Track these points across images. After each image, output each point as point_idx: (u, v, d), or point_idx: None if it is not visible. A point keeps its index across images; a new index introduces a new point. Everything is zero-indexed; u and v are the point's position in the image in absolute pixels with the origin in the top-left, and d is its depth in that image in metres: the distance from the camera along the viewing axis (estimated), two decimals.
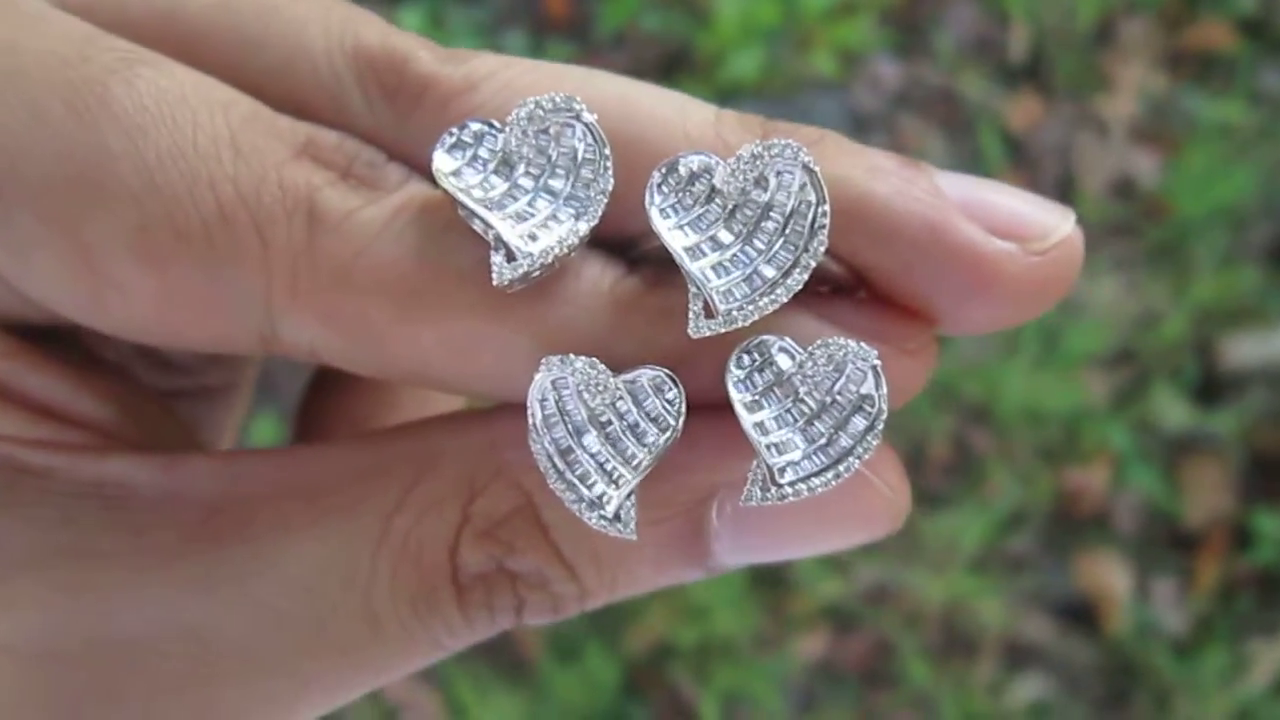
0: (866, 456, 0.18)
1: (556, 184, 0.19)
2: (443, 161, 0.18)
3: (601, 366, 0.18)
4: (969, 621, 0.95)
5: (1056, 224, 0.19)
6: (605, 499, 0.18)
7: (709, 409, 0.19)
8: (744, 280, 0.18)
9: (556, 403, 0.18)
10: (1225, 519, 0.97)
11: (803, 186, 0.18)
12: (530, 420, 0.18)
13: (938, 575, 0.95)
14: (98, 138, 0.18)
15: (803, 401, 0.18)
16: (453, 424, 0.20)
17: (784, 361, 0.18)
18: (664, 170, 0.18)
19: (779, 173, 0.18)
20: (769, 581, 0.95)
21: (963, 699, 0.93)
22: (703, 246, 0.18)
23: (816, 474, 0.18)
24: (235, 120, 0.19)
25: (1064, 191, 1.06)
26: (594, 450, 0.18)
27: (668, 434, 0.18)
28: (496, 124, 0.19)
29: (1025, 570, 0.96)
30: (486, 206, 0.18)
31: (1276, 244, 1.04)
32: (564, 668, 0.92)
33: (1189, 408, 0.99)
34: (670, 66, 1.07)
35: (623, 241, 0.20)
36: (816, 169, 0.18)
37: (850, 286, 0.20)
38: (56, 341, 0.21)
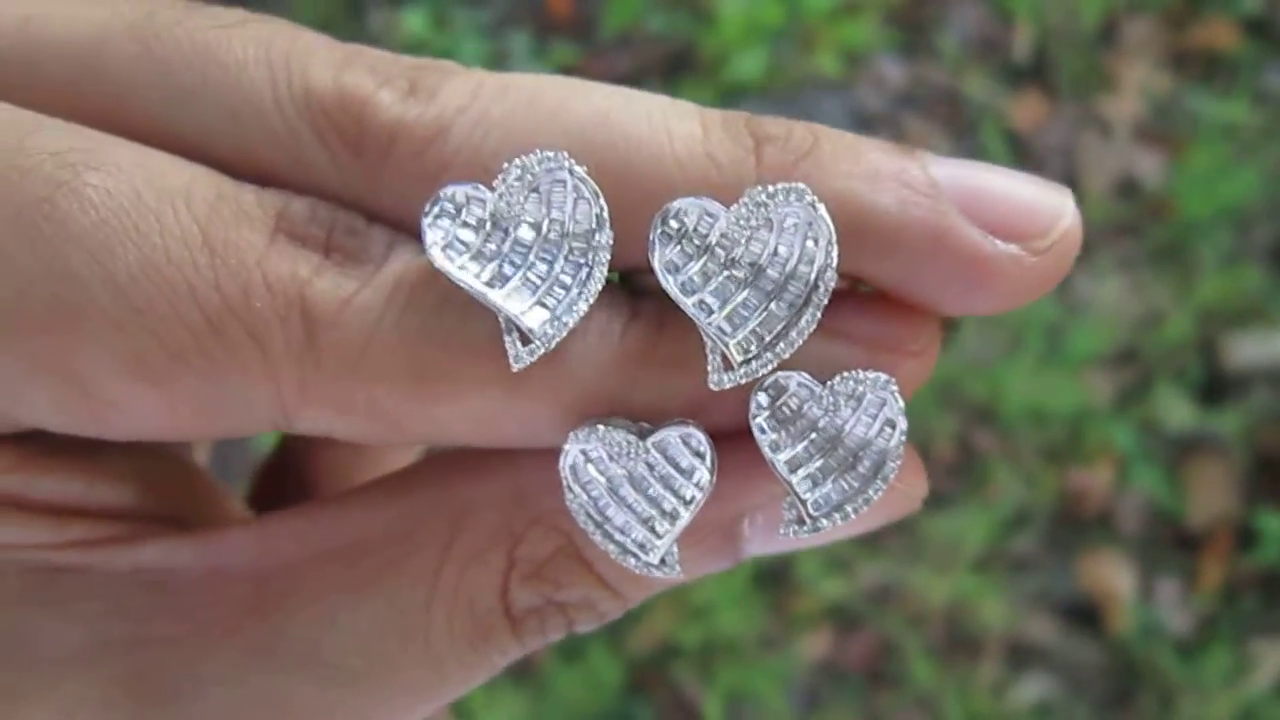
0: (892, 477, 0.19)
1: (554, 245, 0.18)
2: (432, 238, 0.17)
3: (629, 436, 0.18)
4: (972, 621, 0.95)
5: (1056, 215, 0.19)
6: (649, 547, 0.19)
7: (731, 434, 0.19)
8: (758, 327, 0.18)
9: (588, 469, 0.19)
10: (1229, 519, 0.97)
11: (810, 225, 0.18)
12: (565, 485, 0.19)
13: (941, 575, 0.95)
14: (61, 265, 0.17)
15: (824, 433, 0.19)
16: (478, 472, 0.20)
17: (802, 396, 0.19)
18: (663, 222, 0.18)
19: (784, 214, 0.18)
20: (772, 581, 0.95)
21: (966, 699, 0.93)
22: (713, 299, 0.18)
23: (847, 501, 0.19)
24: (201, 212, 0.17)
25: None
26: (631, 502, 0.19)
27: (702, 487, 0.19)
28: (482, 189, 0.18)
29: (1029, 570, 0.96)
30: (488, 285, 0.18)
31: None
32: (568, 667, 0.92)
33: (1193, 408, 0.99)
34: (674, 67, 1.07)
35: (620, 270, 0.19)
36: (821, 208, 0.18)
37: (849, 283, 0.20)
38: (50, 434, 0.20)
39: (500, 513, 0.20)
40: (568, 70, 1.06)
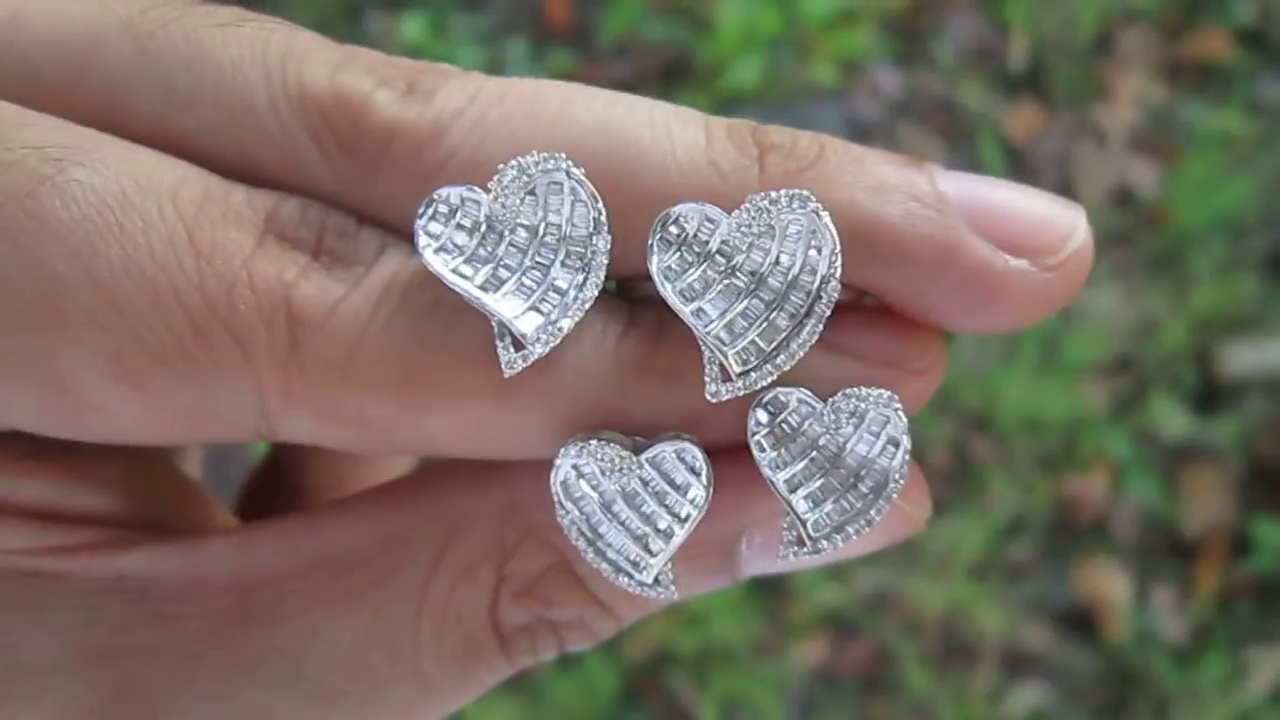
0: (895, 498, 0.18)
1: (550, 249, 0.17)
2: (425, 240, 0.17)
3: (622, 451, 0.18)
4: (968, 629, 0.95)
5: (1069, 231, 0.18)
6: (642, 565, 0.18)
7: (729, 450, 0.18)
8: (758, 337, 0.18)
9: (580, 485, 0.18)
10: (1224, 527, 0.97)
11: (813, 233, 0.17)
12: (556, 500, 0.18)
13: (937, 582, 0.95)
14: (41, 263, 0.16)
15: (825, 451, 0.18)
16: (470, 484, 0.20)
17: (803, 412, 0.18)
18: (661, 227, 0.17)
19: (787, 222, 0.17)
20: (768, 588, 0.95)
21: (962, 706, 0.93)
22: (712, 307, 0.17)
23: (848, 523, 0.18)
24: (188, 211, 0.17)
25: None
26: (624, 519, 0.18)
27: (698, 505, 0.18)
28: (477, 191, 0.17)
29: (1025, 578, 0.96)
30: (481, 289, 0.17)
31: (1275, 253, 1.05)
32: (563, 675, 0.92)
33: (1188, 416, 1.00)
34: (671, 75, 1.08)
35: (618, 279, 0.19)
36: (825, 216, 0.17)
37: (854, 295, 0.20)
38: (32, 437, 0.20)
39: (492, 527, 0.19)
40: (565, 77, 1.06)
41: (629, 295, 0.19)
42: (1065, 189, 1.06)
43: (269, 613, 0.19)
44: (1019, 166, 1.07)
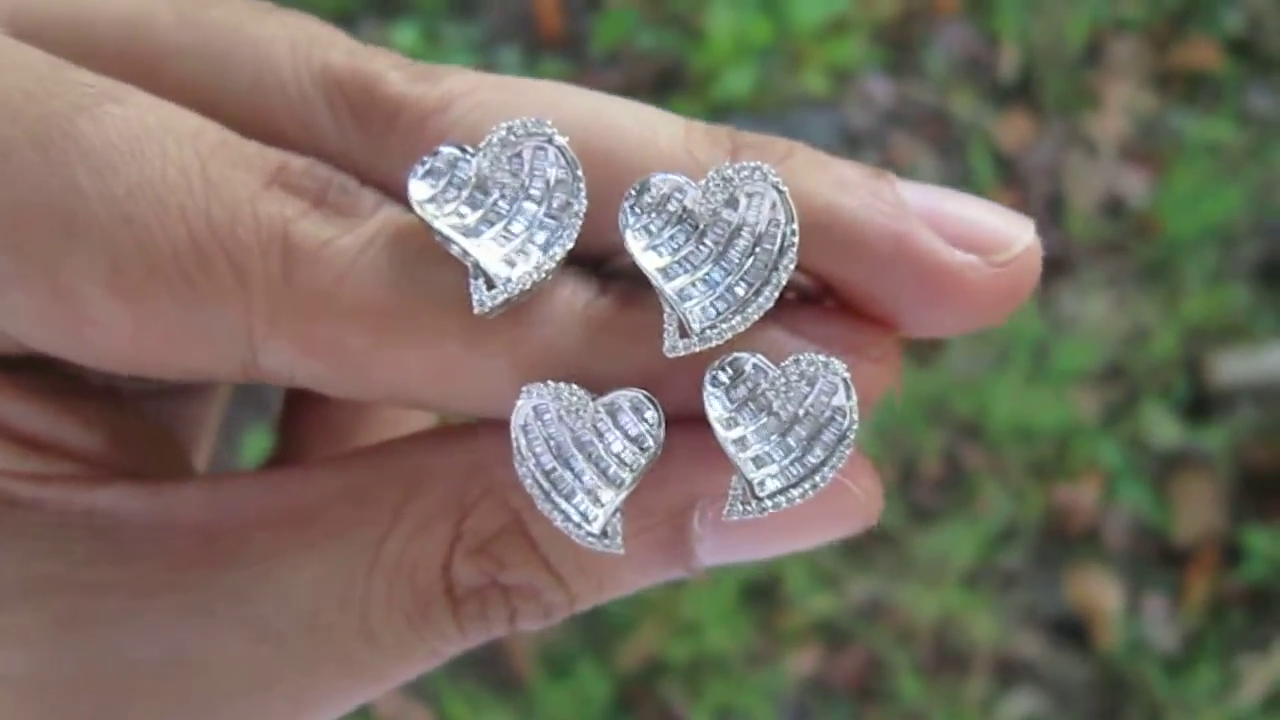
0: (841, 465, 0.19)
1: (531, 207, 0.19)
2: (418, 189, 0.18)
3: (581, 391, 0.19)
4: (960, 637, 0.95)
5: (1017, 235, 0.20)
6: (591, 517, 0.19)
7: (685, 422, 0.19)
8: (717, 299, 0.19)
9: (539, 428, 0.19)
10: (1215, 535, 0.98)
11: (773, 206, 0.19)
12: (515, 446, 0.19)
13: (929, 591, 0.95)
14: (66, 175, 0.18)
15: (777, 416, 0.19)
16: (437, 443, 0.21)
17: (758, 378, 0.19)
18: (636, 191, 0.19)
19: (749, 194, 0.19)
20: (761, 597, 0.95)
21: (954, 715, 0.93)
22: (676, 267, 0.19)
23: (794, 485, 0.19)
24: (204, 150, 0.18)
25: (1054, 210, 1.06)
26: (578, 470, 0.19)
27: (648, 453, 0.19)
28: (470, 149, 0.19)
29: (1016, 586, 0.97)
30: (463, 234, 0.18)
31: (1265, 262, 1.05)
32: (555, 683, 0.92)
33: (1179, 424, 1.00)
34: (663, 84, 1.08)
35: (594, 257, 0.20)
36: (785, 190, 0.18)
37: (816, 294, 0.21)
38: (36, 368, 0.21)
39: (453, 483, 0.20)
40: None
41: (604, 271, 0.20)
42: (1056, 198, 1.07)
43: (228, 558, 0.20)
44: (1010, 176, 1.07)
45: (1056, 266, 1.03)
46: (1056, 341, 1.01)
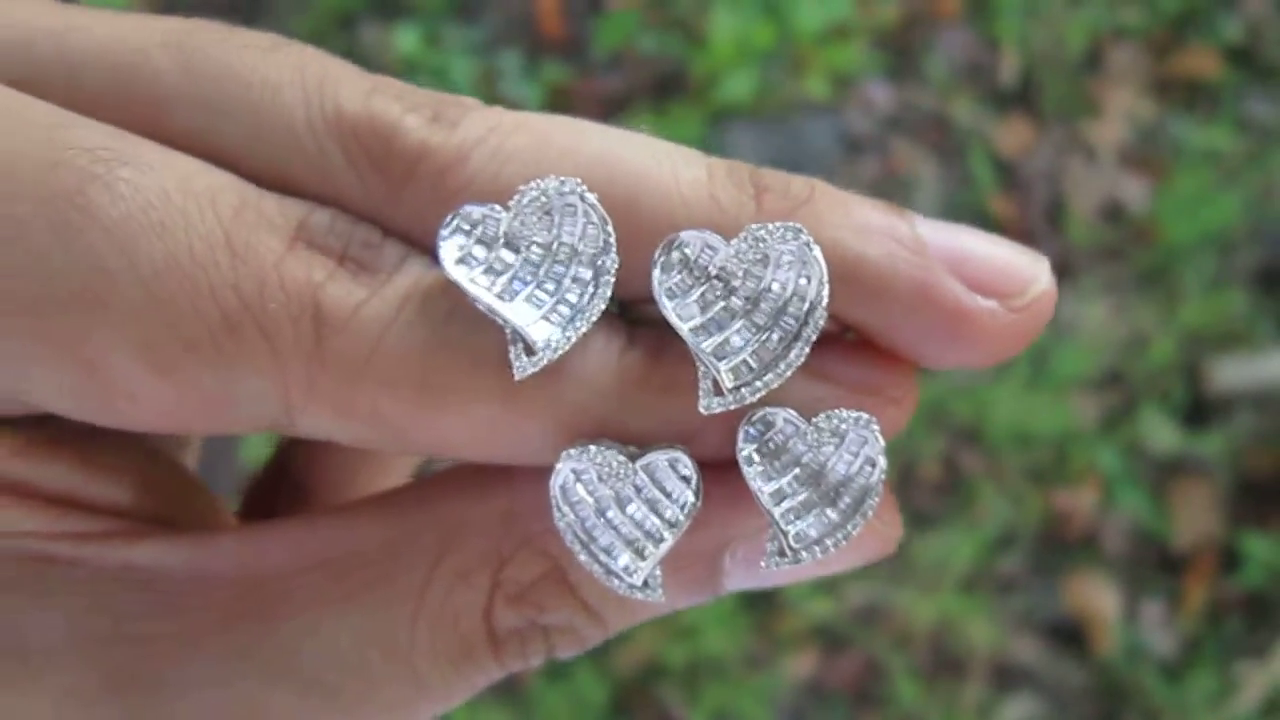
0: (871, 515, 0.19)
1: (562, 265, 0.19)
2: (448, 251, 0.18)
3: (618, 455, 0.19)
4: (958, 642, 0.95)
5: (1034, 277, 0.20)
6: (633, 570, 0.19)
7: (717, 466, 0.19)
8: (750, 357, 0.19)
9: (579, 489, 0.19)
10: (1213, 541, 0.98)
11: (804, 263, 0.19)
12: (554, 504, 0.19)
13: (927, 596, 0.95)
14: (88, 254, 0.17)
15: (809, 469, 0.19)
16: (472, 491, 0.21)
17: (789, 431, 0.19)
18: (666, 249, 0.19)
19: (780, 251, 0.19)
20: (759, 601, 0.95)
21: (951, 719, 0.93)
22: (707, 326, 0.19)
23: (827, 536, 0.19)
24: (226, 214, 0.18)
25: (1054, 216, 1.07)
26: (617, 524, 0.19)
27: (687, 510, 0.19)
28: (497, 208, 0.19)
29: (1014, 591, 0.97)
30: (499, 298, 0.18)
31: (1263, 268, 1.05)
32: (553, 687, 0.92)
33: (1177, 430, 1.00)
34: (664, 88, 1.08)
35: (620, 301, 0.20)
36: (816, 248, 0.19)
37: (837, 330, 0.21)
38: (56, 424, 0.20)
39: (490, 533, 0.20)
40: (559, 90, 1.06)
41: (630, 317, 0.20)
42: (1055, 204, 1.07)
43: (271, 608, 0.20)
44: (1010, 181, 1.08)
45: (1056, 272, 1.03)
46: (1055, 347, 1.01)
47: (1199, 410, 1.01)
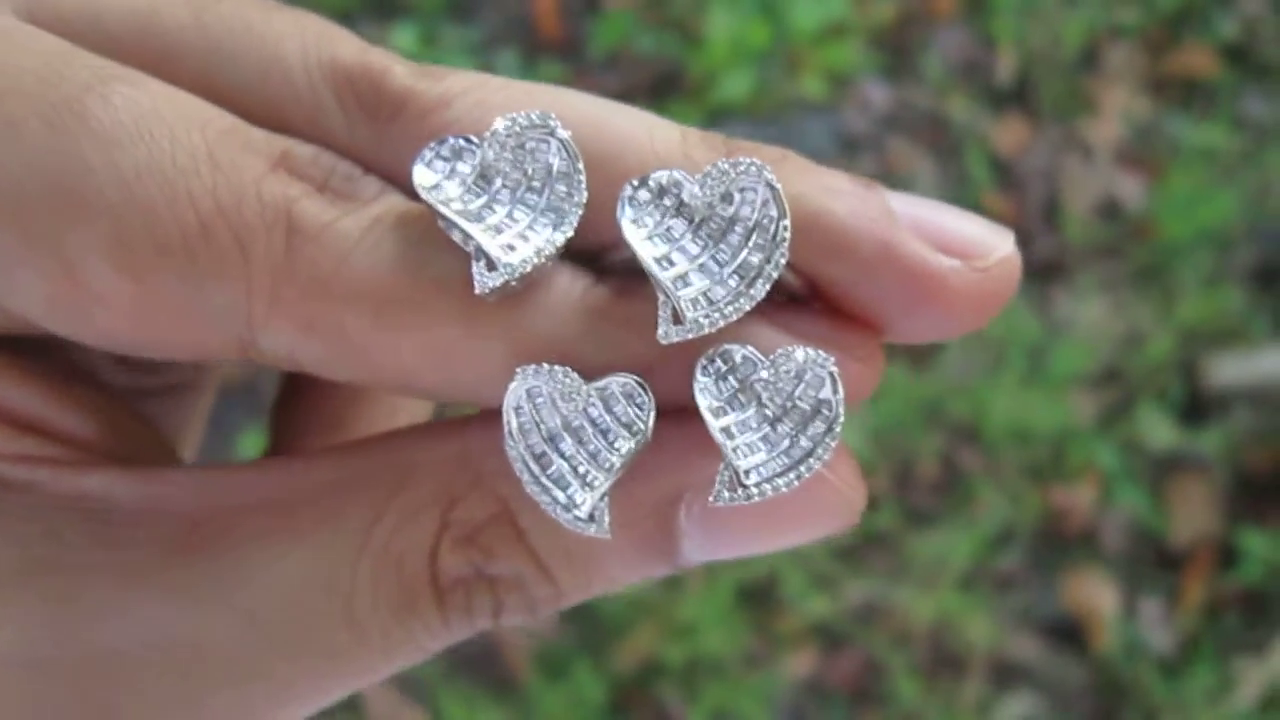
0: (826, 457, 0.19)
1: (532, 197, 0.19)
2: (422, 175, 0.19)
3: (574, 375, 0.19)
4: (957, 640, 0.95)
5: (998, 243, 0.21)
6: (579, 501, 0.19)
7: (675, 413, 0.19)
8: (710, 289, 0.19)
9: (531, 410, 0.19)
10: (1211, 538, 0.98)
11: (765, 202, 0.19)
12: (506, 427, 0.19)
13: (926, 594, 0.95)
14: (76, 153, 0.18)
15: (765, 406, 0.19)
16: (427, 435, 0.21)
17: (747, 369, 0.19)
18: (636, 184, 0.19)
19: (744, 189, 0.19)
20: (757, 599, 0.95)
21: (951, 717, 0.93)
22: (671, 257, 0.19)
23: (780, 475, 0.19)
24: (212, 135, 0.19)
25: (1050, 214, 1.07)
26: (568, 454, 0.19)
27: (638, 438, 0.19)
28: (474, 139, 0.19)
29: (1013, 589, 0.97)
30: (466, 218, 0.19)
31: (1260, 265, 1.06)
32: (551, 685, 0.92)
33: (1175, 427, 1.00)
34: (661, 87, 1.08)
35: (591, 252, 0.20)
36: (778, 186, 0.19)
37: (805, 297, 0.21)
38: (31, 351, 0.21)
39: (442, 473, 0.20)
40: None
41: (597, 265, 0.21)
42: (1052, 202, 1.07)
43: (214, 544, 0.20)
44: (1006, 179, 1.08)
45: (1052, 270, 1.04)
46: (1053, 344, 1.01)
47: (1196, 407, 1.01)
